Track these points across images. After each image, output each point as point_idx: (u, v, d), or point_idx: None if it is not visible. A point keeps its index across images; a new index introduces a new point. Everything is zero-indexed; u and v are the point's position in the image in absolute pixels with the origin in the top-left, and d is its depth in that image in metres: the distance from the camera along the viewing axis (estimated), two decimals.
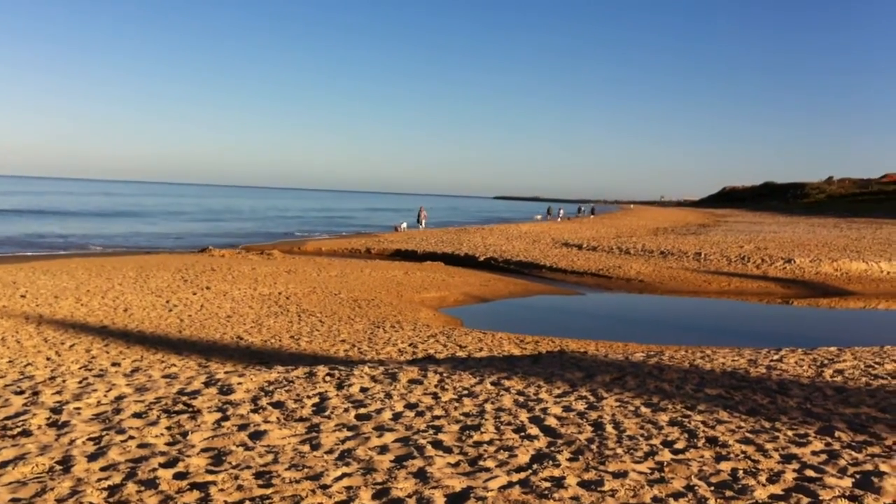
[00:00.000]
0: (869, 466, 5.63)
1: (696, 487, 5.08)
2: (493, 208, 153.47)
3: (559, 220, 74.20)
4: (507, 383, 8.28)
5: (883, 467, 5.59)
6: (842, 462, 5.75)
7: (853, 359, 10.35)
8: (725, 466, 5.56)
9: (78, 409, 6.84)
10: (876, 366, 9.81)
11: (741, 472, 5.45)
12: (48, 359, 10.91)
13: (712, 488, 5.09)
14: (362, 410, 6.98)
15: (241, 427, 6.34)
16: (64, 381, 8.03)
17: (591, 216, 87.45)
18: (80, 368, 10.11)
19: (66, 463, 5.32)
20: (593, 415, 6.99)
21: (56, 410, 6.76)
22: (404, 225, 49.49)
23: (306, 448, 5.79)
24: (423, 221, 50.86)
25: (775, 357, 10.40)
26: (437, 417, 6.80)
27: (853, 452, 6.01)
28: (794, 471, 5.52)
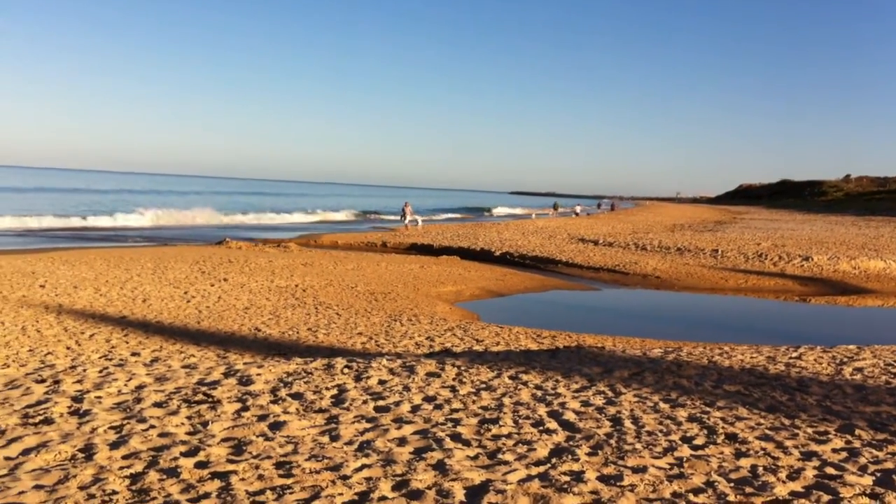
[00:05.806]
0: (890, 465, 5.61)
1: (716, 483, 5.07)
2: (510, 203, 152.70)
3: (577, 215, 73.94)
4: (524, 377, 8.29)
5: None
6: (862, 460, 5.73)
7: (872, 357, 10.28)
8: (745, 463, 5.55)
9: (99, 397, 6.90)
10: (895, 364, 9.75)
11: (761, 468, 5.43)
12: (68, 348, 11.00)
13: (732, 484, 5.08)
14: (381, 402, 7.00)
15: (261, 418, 6.37)
16: (84, 371, 8.10)
17: (609, 211, 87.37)
18: (100, 358, 10.18)
19: (88, 451, 5.37)
20: (612, 410, 6.99)
21: (77, 399, 6.81)
22: (415, 220, 47.08)
23: (326, 439, 5.82)
24: (409, 217, 46.33)
25: (794, 354, 10.35)
26: (456, 410, 6.81)
27: (873, 450, 5.99)
28: (815, 468, 5.50)
